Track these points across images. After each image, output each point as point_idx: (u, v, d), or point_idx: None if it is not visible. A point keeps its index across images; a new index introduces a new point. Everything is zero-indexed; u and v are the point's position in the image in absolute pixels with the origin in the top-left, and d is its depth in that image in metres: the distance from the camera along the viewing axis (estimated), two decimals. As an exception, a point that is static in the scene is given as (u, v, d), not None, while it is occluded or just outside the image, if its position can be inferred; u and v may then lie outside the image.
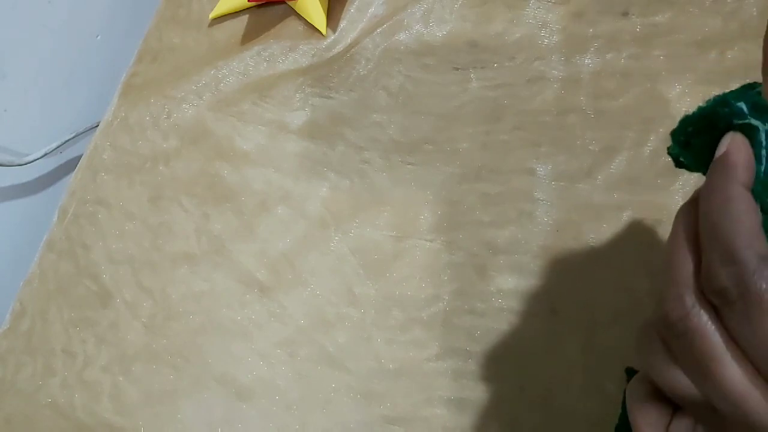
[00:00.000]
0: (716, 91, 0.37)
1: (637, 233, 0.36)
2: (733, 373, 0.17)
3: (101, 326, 0.48)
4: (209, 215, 0.48)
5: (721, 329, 0.18)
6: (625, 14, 0.41)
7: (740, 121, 0.19)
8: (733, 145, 0.19)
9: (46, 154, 0.56)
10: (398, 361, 0.39)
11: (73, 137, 0.59)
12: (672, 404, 0.20)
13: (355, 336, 0.40)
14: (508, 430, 0.35)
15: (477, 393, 0.37)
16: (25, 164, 0.55)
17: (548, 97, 0.41)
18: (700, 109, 0.20)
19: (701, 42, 0.38)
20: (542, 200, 0.39)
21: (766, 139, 0.19)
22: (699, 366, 0.18)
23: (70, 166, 0.61)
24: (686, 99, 0.38)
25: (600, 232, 0.37)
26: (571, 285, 0.37)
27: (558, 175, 0.39)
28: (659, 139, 0.37)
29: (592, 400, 0.34)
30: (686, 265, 0.19)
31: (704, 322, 0.18)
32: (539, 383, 0.35)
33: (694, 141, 0.21)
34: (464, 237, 0.40)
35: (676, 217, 0.21)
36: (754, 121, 0.19)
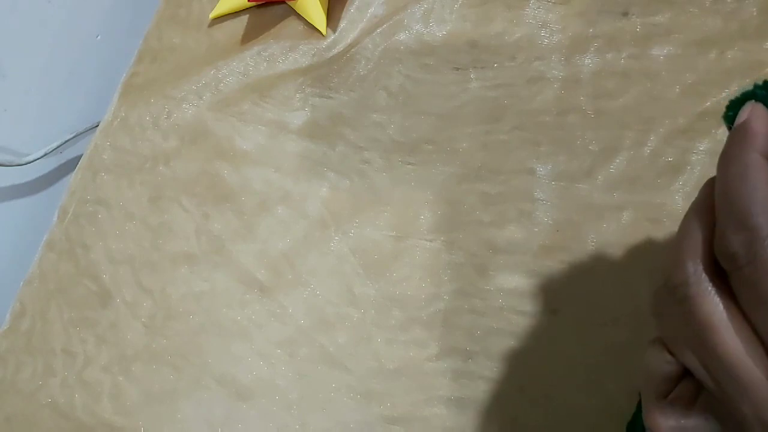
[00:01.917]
0: (716, 91, 0.36)
1: (637, 233, 0.36)
2: (729, 341, 0.17)
3: (101, 326, 0.48)
4: (209, 215, 0.48)
5: (724, 297, 0.18)
6: (625, 14, 0.41)
7: None
8: (754, 114, 0.19)
9: (46, 154, 0.56)
10: (398, 360, 0.39)
11: (73, 137, 0.59)
12: (682, 368, 0.20)
13: (355, 336, 0.40)
14: (509, 430, 0.35)
15: (477, 393, 0.37)
16: (25, 164, 0.55)
17: (548, 97, 0.41)
18: (742, 93, 0.20)
19: (701, 42, 0.38)
20: (542, 200, 0.39)
21: None
22: (697, 332, 0.18)
23: (70, 166, 0.61)
24: (686, 99, 0.38)
25: (600, 232, 0.37)
26: (571, 285, 0.37)
27: (558, 175, 0.39)
28: (659, 139, 0.37)
29: (593, 400, 0.34)
30: (695, 233, 0.19)
31: (703, 288, 0.18)
32: (539, 383, 0.35)
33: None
34: (464, 237, 0.40)
35: (699, 190, 0.21)
36: None
